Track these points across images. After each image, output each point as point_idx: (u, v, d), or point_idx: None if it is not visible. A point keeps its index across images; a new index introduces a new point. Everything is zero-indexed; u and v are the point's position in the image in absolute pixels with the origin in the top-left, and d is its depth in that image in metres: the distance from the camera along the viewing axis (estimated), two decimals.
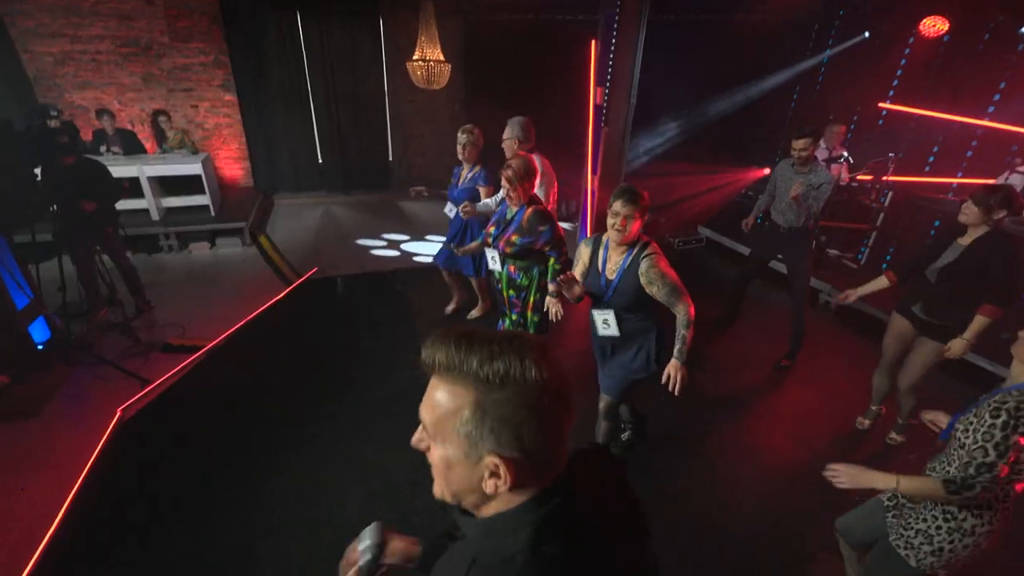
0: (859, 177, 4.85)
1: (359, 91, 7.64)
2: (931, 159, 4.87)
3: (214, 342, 3.91)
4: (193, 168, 5.95)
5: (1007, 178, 3.91)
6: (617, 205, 2.09)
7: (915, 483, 1.52)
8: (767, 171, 6.05)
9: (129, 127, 6.47)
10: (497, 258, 2.95)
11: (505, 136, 3.33)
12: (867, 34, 4.89)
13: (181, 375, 3.48)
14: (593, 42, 4.47)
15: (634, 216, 2.08)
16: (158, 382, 3.32)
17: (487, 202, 3.45)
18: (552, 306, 2.60)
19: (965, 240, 2.48)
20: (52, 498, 2.47)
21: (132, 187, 5.35)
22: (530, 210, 2.69)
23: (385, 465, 2.78)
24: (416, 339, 4.18)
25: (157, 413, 3.15)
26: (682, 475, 2.89)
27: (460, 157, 3.58)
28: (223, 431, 3.02)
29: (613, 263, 2.25)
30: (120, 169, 5.21)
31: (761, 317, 4.52)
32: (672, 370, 2.11)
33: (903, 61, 4.87)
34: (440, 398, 0.69)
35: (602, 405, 2.58)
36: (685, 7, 4.61)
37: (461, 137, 3.51)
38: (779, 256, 3.96)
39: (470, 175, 3.60)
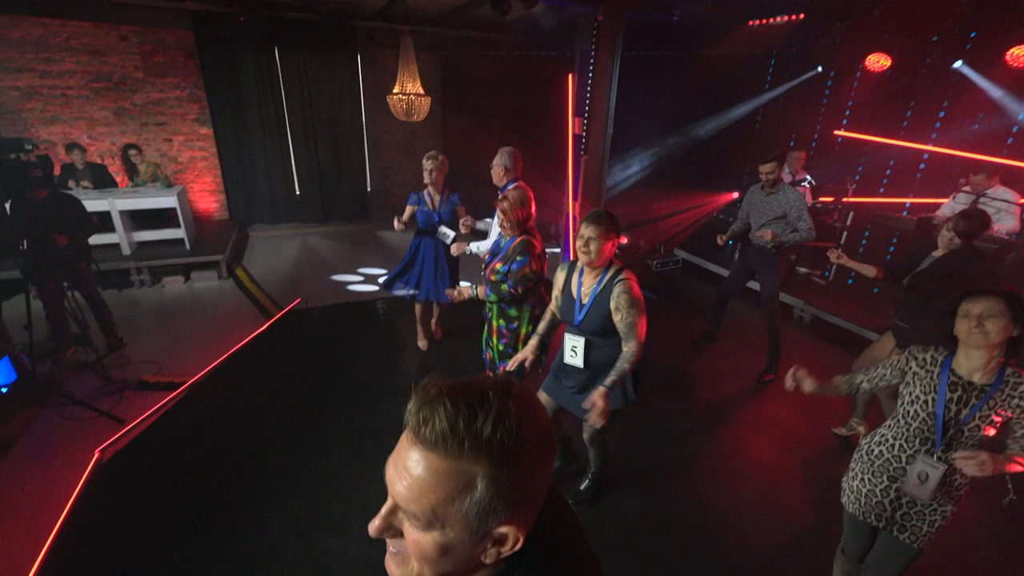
0: (822, 199, 5.16)
1: (337, 123, 7.72)
2: (885, 181, 5.25)
3: (195, 377, 3.77)
4: (168, 201, 5.83)
5: (955, 198, 4.24)
6: (582, 228, 2.14)
7: None
8: (735, 195, 6.37)
9: (99, 161, 6.34)
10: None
11: (495, 162, 3.40)
12: (820, 68, 5.32)
13: (162, 412, 3.33)
14: (571, 76, 4.70)
15: (598, 238, 2.10)
16: (138, 420, 3.17)
17: (489, 220, 3.52)
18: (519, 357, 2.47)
19: (939, 253, 2.75)
20: (26, 547, 2.30)
21: (102, 221, 5.21)
22: (519, 239, 2.67)
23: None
24: (407, 366, 4.15)
25: (138, 453, 3.00)
26: (678, 485, 2.92)
27: (427, 182, 3.73)
28: (211, 470, 2.90)
29: (587, 286, 2.26)
30: (91, 203, 5.08)
31: (741, 333, 4.68)
32: (595, 397, 2.07)
33: (853, 92, 5.30)
34: (437, 478, 0.57)
35: (586, 436, 2.57)
36: (655, 43, 4.92)
37: (428, 164, 3.67)
38: (754, 275, 4.15)
39: (445, 199, 3.78)
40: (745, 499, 2.85)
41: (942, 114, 4.73)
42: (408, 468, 0.58)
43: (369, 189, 8.33)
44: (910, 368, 1.76)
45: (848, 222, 4.99)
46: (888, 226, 4.76)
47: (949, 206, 4.22)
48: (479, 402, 0.57)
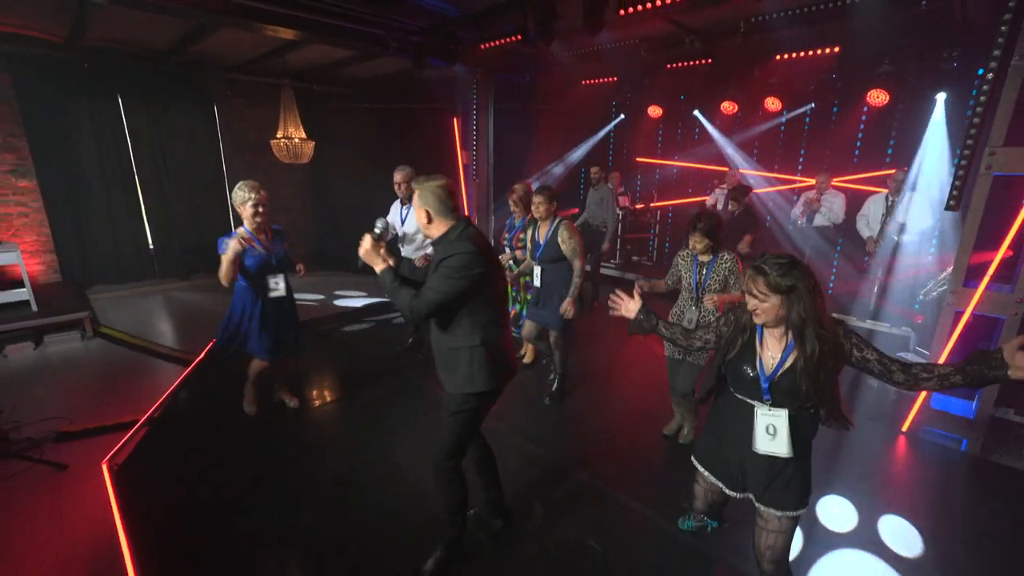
0: (637, 206, 7.25)
1: (194, 172, 7.44)
2: (673, 188, 7.66)
3: (183, 373, 3.61)
4: (9, 258, 5.06)
5: (712, 192, 6.60)
6: (535, 197, 3.44)
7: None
8: (576, 211, 8.26)
9: None
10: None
11: (403, 179, 4.07)
12: (623, 116, 7.59)
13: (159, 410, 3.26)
14: (455, 119, 5.87)
15: (540, 202, 3.41)
16: (138, 425, 3.05)
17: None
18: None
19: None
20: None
21: None
22: (529, 217, 3.80)
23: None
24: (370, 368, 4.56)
25: (144, 452, 2.96)
26: (606, 385, 4.10)
27: (256, 222, 3.07)
28: (213, 450, 3.02)
29: (542, 233, 3.53)
30: None
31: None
32: (565, 304, 3.39)
33: (643, 131, 7.71)
34: (416, 203, 1.99)
35: (552, 339, 3.67)
36: (516, 99, 6.48)
37: (253, 196, 3.01)
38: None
39: (271, 237, 3.23)
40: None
41: (695, 139, 7.30)
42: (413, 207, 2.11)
43: None
44: (680, 263, 3.09)
45: (657, 218, 7.15)
46: (681, 214, 7.04)
47: (713, 196, 6.56)
48: (431, 175, 2.07)
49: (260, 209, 3.02)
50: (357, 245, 2.01)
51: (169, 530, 2.45)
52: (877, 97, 5.22)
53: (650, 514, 2.62)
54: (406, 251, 4.36)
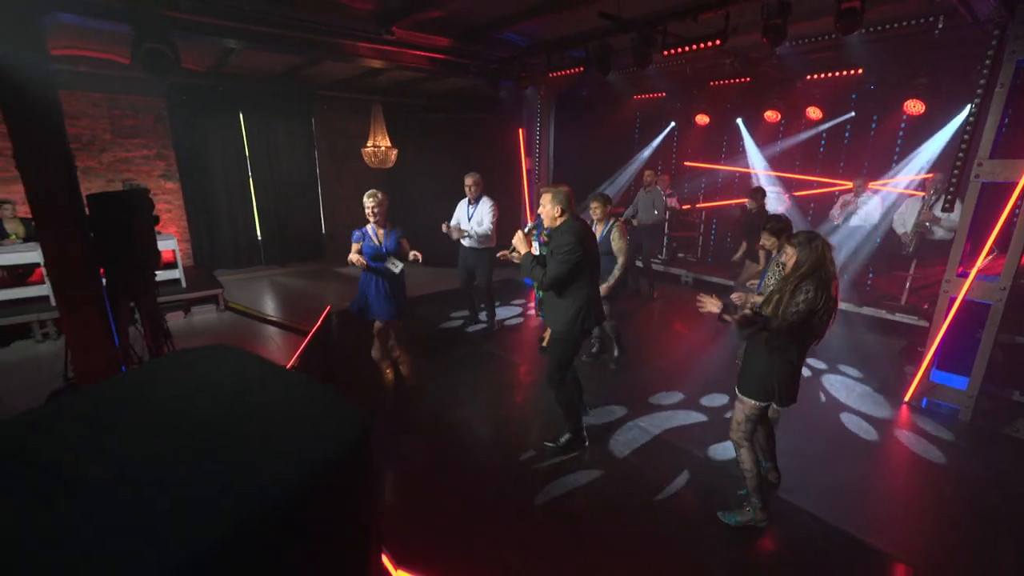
0: (684, 206, 7.85)
1: (294, 176, 8.75)
2: (719, 190, 8.20)
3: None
4: (170, 244, 6.43)
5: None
6: (593, 203, 4.23)
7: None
8: (622, 210, 8.94)
9: None
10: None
11: (473, 182, 4.98)
12: (673, 124, 8.23)
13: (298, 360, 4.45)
14: (520, 130, 6.75)
15: (597, 206, 4.24)
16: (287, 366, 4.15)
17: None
18: None
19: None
20: None
21: None
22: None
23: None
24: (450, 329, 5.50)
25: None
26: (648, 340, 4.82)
27: (371, 219, 4.11)
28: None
29: (598, 231, 4.28)
30: None
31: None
32: (604, 288, 4.05)
33: (691, 138, 8.30)
34: (551, 202, 2.92)
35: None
36: (575, 109, 7.31)
37: (370, 202, 4.06)
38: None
39: (388, 233, 4.21)
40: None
41: (735, 147, 7.81)
42: (542, 203, 3.05)
43: (324, 232, 9.34)
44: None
45: (703, 218, 7.73)
46: (724, 215, 7.59)
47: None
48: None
49: (374, 211, 4.09)
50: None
51: None
52: (914, 107, 5.60)
53: (672, 440, 3.36)
54: (468, 242, 5.14)
